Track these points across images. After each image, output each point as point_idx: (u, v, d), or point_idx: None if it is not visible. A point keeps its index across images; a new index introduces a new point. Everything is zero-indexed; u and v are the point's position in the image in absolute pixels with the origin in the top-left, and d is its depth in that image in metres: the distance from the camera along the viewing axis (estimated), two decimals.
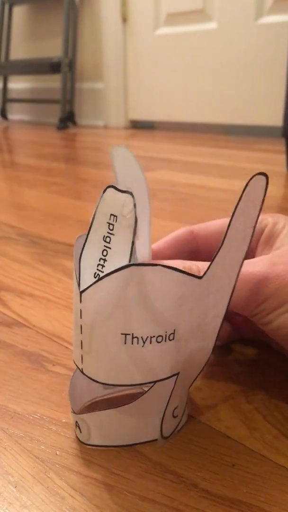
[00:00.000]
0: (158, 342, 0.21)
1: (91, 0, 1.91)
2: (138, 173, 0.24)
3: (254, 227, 0.21)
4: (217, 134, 1.67)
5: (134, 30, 1.83)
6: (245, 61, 1.54)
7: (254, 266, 0.25)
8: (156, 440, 0.24)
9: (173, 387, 0.23)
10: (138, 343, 0.21)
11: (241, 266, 0.22)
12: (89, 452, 0.24)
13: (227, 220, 0.25)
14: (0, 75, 2.27)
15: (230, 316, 0.32)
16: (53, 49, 2.02)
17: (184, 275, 0.21)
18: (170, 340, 0.22)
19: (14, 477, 0.22)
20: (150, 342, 0.21)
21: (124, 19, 1.84)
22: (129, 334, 0.21)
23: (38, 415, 0.26)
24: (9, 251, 0.53)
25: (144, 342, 0.21)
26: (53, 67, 1.88)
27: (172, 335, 0.22)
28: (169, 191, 0.82)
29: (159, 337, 0.21)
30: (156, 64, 1.79)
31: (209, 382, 0.29)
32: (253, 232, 0.22)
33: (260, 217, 0.28)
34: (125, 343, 0.21)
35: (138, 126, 1.95)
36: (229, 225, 0.21)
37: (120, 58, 1.89)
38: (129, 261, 0.22)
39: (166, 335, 0.21)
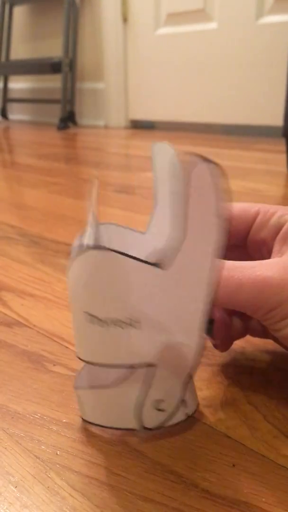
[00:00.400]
0: (122, 328, 0.22)
1: (92, 0, 1.91)
2: (177, 171, 0.24)
3: (221, 216, 0.21)
4: (217, 134, 1.67)
5: (135, 30, 1.83)
6: (246, 61, 1.54)
7: (268, 270, 0.23)
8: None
9: (150, 378, 0.23)
10: (102, 326, 0.22)
11: (219, 259, 0.21)
12: (90, 452, 0.24)
13: (249, 204, 0.25)
14: (1, 75, 2.27)
15: (243, 317, 0.30)
16: (53, 49, 2.02)
17: (147, 264, 0.21)
18: (135, 328, 0.22)
19: (15, 477, 0.22)
20: (112, 326, 0.22)
21: (125, 19, 1.84)
22: (94, 316, 0.22)
23: (39, 415, 0.26)
24: (10, 251, 0.53)
25: (108, 325, 0.22)
26: (53, 67, 1.88)
27: (138, 324, 0.22)
28: None
29: (122, 323, 0.22)
30: (157, 64, 1.79)
31: (209, 382, 0.29)
32: (224, 222, 0.21)
33: (280, 211, 0.27)
34: (92, 323, 0.22)
35: (139, 126, 1.95)
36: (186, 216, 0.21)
37: (121, 58, 1.89)
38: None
39: (130, 322, 0.22)
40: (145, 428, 0.24)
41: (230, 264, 0.24)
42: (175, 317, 0.22)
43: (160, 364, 0.23)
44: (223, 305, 0.25)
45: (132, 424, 0.24)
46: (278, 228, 0.27)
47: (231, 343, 0.30)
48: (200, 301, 0.22)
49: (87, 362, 0.23)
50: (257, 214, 0.28)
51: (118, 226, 0.27)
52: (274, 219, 0.28)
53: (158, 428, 0.24)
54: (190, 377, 0.24)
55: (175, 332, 0.22)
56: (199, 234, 0.21)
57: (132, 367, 0.23)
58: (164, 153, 0.25)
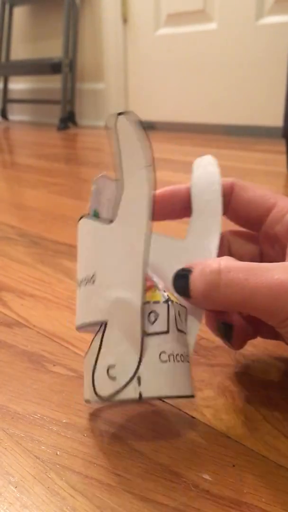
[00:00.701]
0: (85, 285, 0.24)
1: (92, 1, 1.91)
2: (215, 185, 0.26)
3: (149, 167, 0.22)
4: (217, 134, 1.67)
5: (135, 31, 1.83)
6: (245, 62, 1.54)
7: (284, 273, 0.22)
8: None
9: (101, 337, 0.23)
10: (79, 287, 0.25)
11: (149, 212, 0.22)
12: (90, 452, 0.24)
13: (268, 193, 0.25)
14: (1, 75, 2.27)
15: (249, 317, 0.29)
16: (53, 50, 2.03)
17: (98, 222, 0.24)
18: (92, 284, 0.24)
19: (15, 477, 0.22)
20: (83, 285, 0.24)
21: (125, 20, 1.84)
22: (77, 280, 0.25)
23: (39, 415, 0.26)
24: (10, 251, 0.53)
25: (79, 285, 0.25)
26: (53, 68, 1.88)
27: (92, 279, 0.24)
28: None
29: (86, 281, 0.24)
30: (157, 65, 1.79)
31: (209, 382, 0.29)
32: (151, 174, 0.22)
33: None
34: (77, 288, 0.25)
35: None
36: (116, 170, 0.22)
37: (121, 59, 1.89)
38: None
39: (89, 278, 0.24)
40: (98, 396, 0.23)
41: (245, 266, 0.23)
42: (119, 272, 0.23)
43: (111, 321, 0.23)
44: (238, 310, 0.24)
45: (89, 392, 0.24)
46: None
47: (245, 344, 0.30)
48: (139, 255, 0.22)
49: (76, 328, 0.25)
50: (273, 206, 0.27)
51: (156, 234, 0.27)
52: None
53: (108, 399, 0.23)
54: (142, 349, 0.23)
55: (121, 288, 0.23)
56: (133, 187, 0.22)
57: (96, 324, 0.24)
58: (205, 166, 0.27)
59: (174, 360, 0.23)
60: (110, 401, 0.23)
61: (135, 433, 0.25)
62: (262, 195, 0.28)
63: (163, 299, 0.23)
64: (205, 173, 0.27)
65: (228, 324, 0.27)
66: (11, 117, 2.39)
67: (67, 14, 1.87)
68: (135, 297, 0.23)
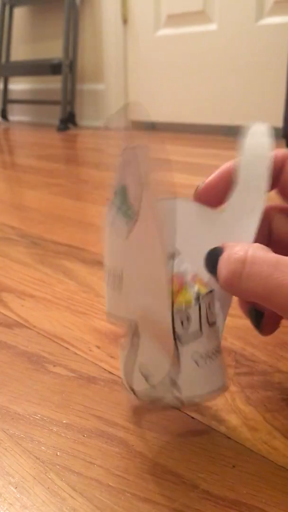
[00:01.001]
0: (112, 278, 0.24)
1: (92, 2, 1.91)
2: (265, 159, 0.25)
3: (143, 184, 0.21)
4: (217, 135, 1.67)
5: (135, 31, 1.83)
6: (245, 63, 1.54)
7: None
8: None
9: (137, 338, 0.23)
10: (107, 282, 0.24)
11: (161, 223, 0.22)
12: (90, 453, 0.24)
13: None
14: (1, 76, 2.27)
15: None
16: (53, 50, 2.03)
17: (117, 229, 0.23)
18: (119, 280, 0.23)
19: (15, 477, 0.22)
20: (111, 276, 0.24)
21: (125, 20, 1.84)
22: (105, 273, 0.25)
23: (39, 416, 0.26)
24: (10, 252, 0.54)
25: (109, 279, 0.24)
26: (53, 68, 1.88)
27: (119, 276, 0.23)
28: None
29: (113, 275, 0.24)
30: (157, 65, 1.79)
31: None
32: (149, 187, 0.21)
33: None
34: (104, 282, 0.25)
35: (139, 127, 1.95)
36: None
37: (121, 59, 1.89)
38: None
39: (116, 274, 0.23)
40: (134, 393, 0.24)
41: (273, 259, 0.21)
42: (146, 275, 0.22)
43: (142, 326, 0.23)
44: (261, 303, 0.23)
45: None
46: None
47: (274, 331, 0.29)
48: (161, 266, 0.22)
49: (108, 315, 0.25)
50: None
51: (191, 202, 0.27)
52: None
53: (147, 399, 0.24)
54: (177, 359, 0.23)
55: (149, 297, 0.22)
56: (147, 204, 0.22)
57: (129, 322, 0.24)
58: (257, 135, 0.25)
59: (208, 359, 0.23)
60: (147, 402, 0.24)
61: (135, 434, 0.25)
62: None
63: (194, 299, 0.23)
64: (257, 143, 0.26)
65: (259, 312, 0.26)
66: (11, 117, 2.39)
67: (67, 15, 1.87)
68: (164, 317, 0.22)
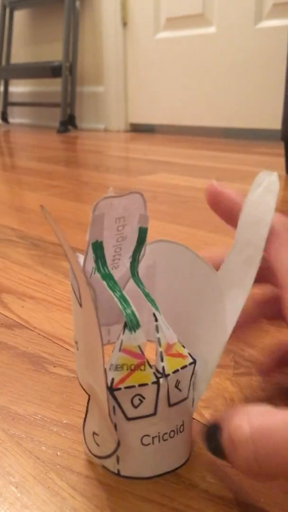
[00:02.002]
0: (76, 347, 0.23)
1: (92, 4, 1.92)
2: (263, 226, 0.23)
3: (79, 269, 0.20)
4: (216, 137, 1.67)
5: (134, 34, 1.84)
6: (244, 65, 1.54)
7: None
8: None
9: (87, 403, 0.23)
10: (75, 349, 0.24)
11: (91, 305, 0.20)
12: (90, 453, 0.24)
13: None
14: (1, 78, 2.28)
15: None
16: (53, 53, 2.03)
17: (76, 299, 0.21)
18: (77, 350, 0.23)
19: (15, 477, 0.22)
20: (75, 345, 0.23)
21: (124, 23, 1.85)
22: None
23: (39, 416, 0.27)
24: (10, 253, 0.54)
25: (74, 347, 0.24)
26: (53, 71, 1.89)
27: (77, 346, 0.23)
28: (169, 194, 0.83)
29: (76, 344, 0.23)
30: (156, 68, 1.80)
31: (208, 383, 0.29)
32: (82, 276, 0.19)
33: None
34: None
35: (138, 129, 1.96)
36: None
37: (120, 62, 1.89)
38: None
39: (74, 340, 0.23)
40: (90, 451, 0.23)
41: (279, 422, 0.18)
42: (87, 354, 0.22)
43: (92, 398, 0.22)
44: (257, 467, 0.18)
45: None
46: None
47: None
48: (97, 341, 0.20)
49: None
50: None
51: (190, 252, 0.24)
52: None
53: (100, 458, 0.23)
54: (118, 434, 0.21)
55: (91, 376, 0.21)
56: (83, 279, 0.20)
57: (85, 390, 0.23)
58: (263, 190, 0.24)
59: (159, 441, 0.22)
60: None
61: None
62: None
63: (152, 380, 0.21)
64: (260, 201, 0.24)
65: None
66: (12, 120, 2.39)
67: (67, 18, 1.87)
68: (101, 393, 0.20)
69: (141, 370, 0.21)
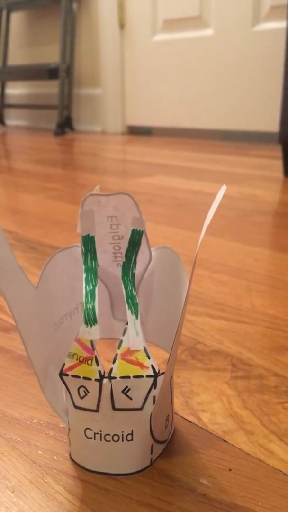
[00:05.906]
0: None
1: (89, 7, 1.92)
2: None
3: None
4: (214, 140, 1.68)
5: (132, 36, 1.84)
6: (242, 68, 1.55)
7: None
8: None
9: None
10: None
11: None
12: None
13: None
14: None
15: None
16: (50, 55, 2.03)
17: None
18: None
19: (12, 482, 0.22)
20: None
21: (122, 25, 1.85)
22: None
23: (36, 420, 0.26)
24: None
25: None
26: (50, 73, 1.89)
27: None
28: (167, 197, 0.83)
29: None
30: (153, 70, 1.80)
31: (205, 386, 0.29)
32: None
33: None
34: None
35: (136, 131, 1.96)
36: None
37: (118, 64, 1.90)
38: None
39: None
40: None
41: None
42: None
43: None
44: None
45: None
46: None
47: None
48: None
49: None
50: None
51: (177, 259, 0.26)
52: None
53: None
54: (67, 417, 0.23)
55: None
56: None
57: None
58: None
59: (101, 439, 0.22)
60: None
61: None
62: None
63: (96, 377, 0.21)
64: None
65: None
66: (8, 122, 2.39)
67: (64, 20, 1.87)
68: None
69: (88, 364, 0.22)
